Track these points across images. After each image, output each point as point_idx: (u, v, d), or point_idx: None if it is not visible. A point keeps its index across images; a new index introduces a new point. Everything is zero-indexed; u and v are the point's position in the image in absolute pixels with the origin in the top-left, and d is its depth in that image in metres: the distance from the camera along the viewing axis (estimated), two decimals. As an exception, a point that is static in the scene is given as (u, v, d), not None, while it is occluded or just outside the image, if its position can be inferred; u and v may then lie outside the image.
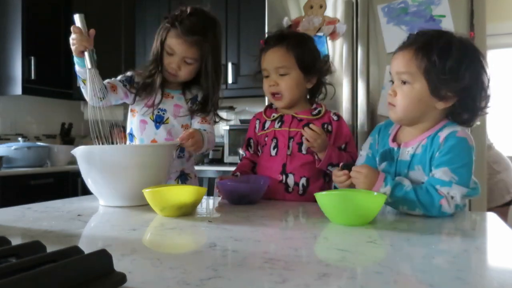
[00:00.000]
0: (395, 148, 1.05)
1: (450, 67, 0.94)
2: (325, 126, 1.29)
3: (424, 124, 1.02)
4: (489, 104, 1.00)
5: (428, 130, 1.01)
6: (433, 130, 1.00)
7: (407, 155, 1.02)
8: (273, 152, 1.29)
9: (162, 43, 1.32)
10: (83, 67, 1.23)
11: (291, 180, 1.25)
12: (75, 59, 1.24)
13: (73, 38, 1.20)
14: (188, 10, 1.30)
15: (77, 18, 1.21)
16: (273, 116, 1.33)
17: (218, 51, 1.37)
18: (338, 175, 1.02)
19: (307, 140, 1.19)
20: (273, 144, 1.29)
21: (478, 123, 1.97)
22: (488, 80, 0.98)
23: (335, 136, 1.30)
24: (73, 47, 1.21)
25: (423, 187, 0.94)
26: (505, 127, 3.79)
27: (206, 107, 1.39)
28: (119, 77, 1.39)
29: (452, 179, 0.92)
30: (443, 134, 0.97)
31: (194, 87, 1.42)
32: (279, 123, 1.31)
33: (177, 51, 1.30)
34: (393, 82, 1.04)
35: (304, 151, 1.26)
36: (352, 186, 1.01)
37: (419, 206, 0.92)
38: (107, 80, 1.34)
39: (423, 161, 0.99)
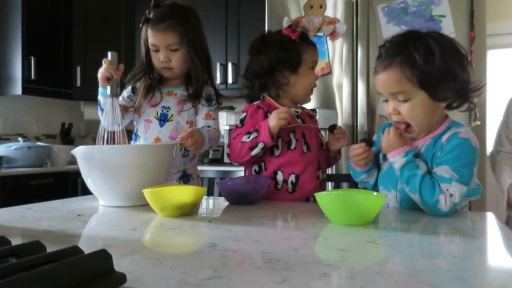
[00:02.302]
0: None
1: (439, 66, 0.93)
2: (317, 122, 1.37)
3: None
4: (478, 82, 0.99)
5: (434, 131, 1.01)
6: (439, 131, 1.00)
7: None
8: (304, 148, 1.26)
9: (146, 45, 1.37)
10: (106, 97, 1.30)
11: (321, 175, 1.27)
12: (99, 89, 1.32)
13: (102, 68, 1.27)
14: (153, 3, 1.34)
15: (110, 54, 1.29)
16: (297, 112, 1.28)
17: (196, 34, 1.37)
18: (355, 147, 1.04)
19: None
20: (303, 140, 1.27)
21: (478, 123, 1.98)
22: (467, 59, 0.97)
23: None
24: (99, 75, 1.28)
25: (432, 178, 0.94)
26: (505, 127, 3.79)
27: (198, 92, 1.40)
28: (124, 93, 1.42)
29: (452, 177, 0.92)
30: (446, 135, 0.97)
31: None
32: (299, 119, 1.29)
33: (158, 43, 1.34)
34: (386, 100, 1.03)
35: (324, 146, 1.29)
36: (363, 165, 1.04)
37: (418, 193, 0.93)
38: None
39: (424, 160, 0.99)
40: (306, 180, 1.24)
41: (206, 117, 1.41)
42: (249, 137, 1.20)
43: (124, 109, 1.39)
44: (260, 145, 1.18)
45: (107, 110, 1.29)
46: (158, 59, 1.35)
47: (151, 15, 1.34)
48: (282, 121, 1.16)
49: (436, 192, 0.91)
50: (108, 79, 1.27)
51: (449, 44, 0.97)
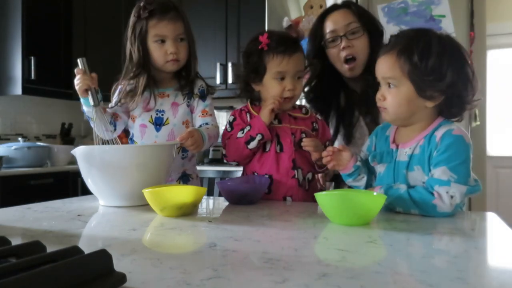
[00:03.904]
0: (394, 149, 1.06)
1: (432, 67, 0.95)
2: (313, 124, 1.33)
3: (420, 124, 1.03)
4: (476, 97, 1.00)
5: (424, 129, 1.02)
6: (429, 130, 1.01)
7: (405, 155, 1.02)
8: (277, 148, 1.27)
9: (145, 40, 1.31)
10: (89, 106, 1.27)
11: (300, 175, 1.26)
12: (81, 99, 1.28)
13: (77, 79, 1.24)
14: None
15: (79, 61, 1.26)
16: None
17: (188, 22, 1.38)
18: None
19: (313, 150, 1.22)
20: (276, 141, 1.27)
21: (477, 123, 1.98)
22: (472, 72, 0.98)
23: (321, 134, 1.34)
24: (77, 87, 1.25)
25: (416, 188, 0.96)
26: (505, 127, 3.79)
27: (192, 81, 1.40)
28: (114, 98, 1.38)
29: (451, 178, 0.92)
30: (439, 133, 0.98)
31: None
32: (276, 120, 1.29)
33: (168, 33, 1.31)
34: (379, 84, 1.05)
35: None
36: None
37: (413, 207, 0.94)
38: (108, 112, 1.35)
39: (422, 161, 1.00)
40: (280, 180, 1.24)
41: (203, 114, 1.39)
42: (243, 132, 1.25)
43: (114, 116, 1.35)
44: (258, 137, 1.22)
45: (94, 118, 1.27)
46: (164, 51, 1.31)
47: (153, 6, 1.29)
48: (271, 105, 1.21)
49: (428, 198, 0.93)
50: (86, 90, 1.24)
51: (452, 49, 0.97)
